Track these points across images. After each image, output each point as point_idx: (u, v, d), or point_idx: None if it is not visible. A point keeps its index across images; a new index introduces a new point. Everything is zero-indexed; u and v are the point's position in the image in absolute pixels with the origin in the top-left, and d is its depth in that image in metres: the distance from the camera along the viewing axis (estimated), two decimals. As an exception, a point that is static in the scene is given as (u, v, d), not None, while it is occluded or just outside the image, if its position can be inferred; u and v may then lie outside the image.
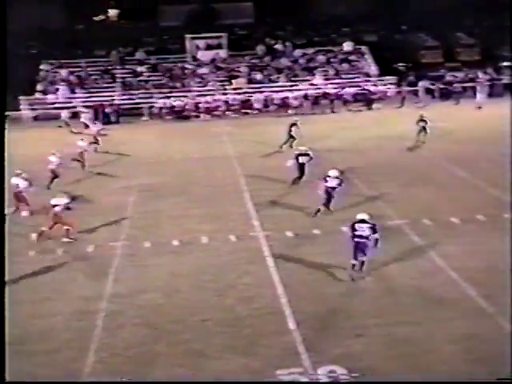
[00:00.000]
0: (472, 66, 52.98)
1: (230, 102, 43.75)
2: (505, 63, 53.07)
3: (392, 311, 13.97)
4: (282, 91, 45.10)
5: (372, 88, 45.69)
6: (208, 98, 43.93)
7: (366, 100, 43.92)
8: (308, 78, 48.09)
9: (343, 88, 45.50)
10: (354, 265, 15.64)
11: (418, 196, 22.26)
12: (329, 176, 20.12)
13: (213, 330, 13.41)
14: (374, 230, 15.42)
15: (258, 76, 48.23)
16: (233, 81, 47.50)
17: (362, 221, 15.59)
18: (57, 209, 18.62)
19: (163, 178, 26.10)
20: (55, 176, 24.63)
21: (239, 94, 45.08)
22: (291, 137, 30.18)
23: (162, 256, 17.74)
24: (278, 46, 52.11)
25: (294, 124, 30.60)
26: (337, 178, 20.06)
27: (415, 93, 45.36)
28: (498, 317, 13.42)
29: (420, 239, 18.11)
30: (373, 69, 50.01)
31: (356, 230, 15.49)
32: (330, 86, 46.23)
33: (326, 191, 20.14)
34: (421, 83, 45.54)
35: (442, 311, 13.84)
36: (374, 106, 43.34)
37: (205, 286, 15.59)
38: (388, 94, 45.34)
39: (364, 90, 45.29)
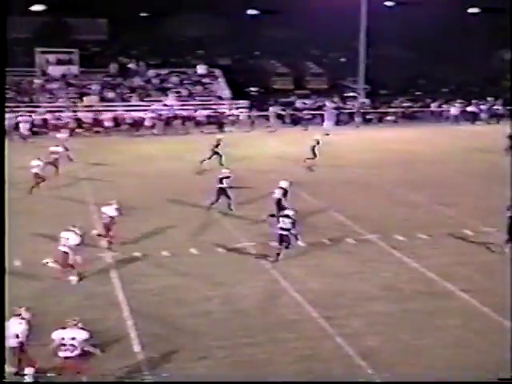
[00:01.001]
0: (320, 94, 55.07)
1: (81, 120, 42.74)
2: (350, 93, 55.59)
3: (237, 333, 14.07)
4: (134, 110, 44.67)
5: (224, 111, 46.25)
6: (57, 114, 42.66)
7: (218, 122, 44.31)
8: (161, 98, 47.97)
9: (196, 110, 45.76)
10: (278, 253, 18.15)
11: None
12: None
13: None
14: (293, 224, 18.08)
15: (110, 94, 47.54)
16: (84, 98, 46.48)
17: (287, 216, 18.15)
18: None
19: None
20: None
21: (90, 111, 44.14)
22: (216, 153, 30.42)
23: None
24: (132, 65, 51.70)
25: (218, 142, 30.95)
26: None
27: (266, 117, 46.36)
28: (338, 338, 13.87)
29: (265, 262, 18.41)
30: (225, 92, 50.69)
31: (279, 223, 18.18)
32: (182, 107, 46.36)
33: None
34: (272, 108, 46.58)
35: (285, 332, 14.12)
36: (225, 128, 43.80)
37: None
38: (240, 117, 46.04)
39: (216, 112, 45.77)
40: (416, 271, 17.86)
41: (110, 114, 43.27)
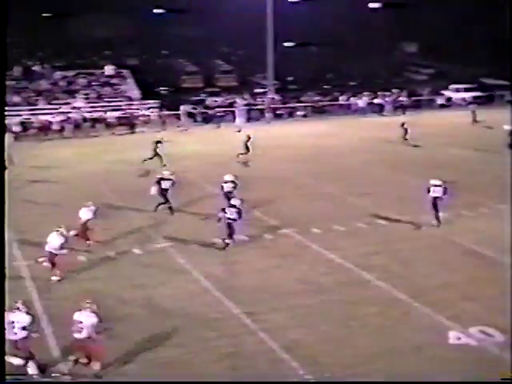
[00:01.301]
0: (230, 92, 55.25)
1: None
2: (260, 90, 55.99)
3: (159, 334, 13.96)
4: (41, 114, 43.60)
5: (135, 111, 45.77)
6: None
7: (129, 123, 43.78)
8: (69, 100, 47.01)
9: (106, 112, 45.08)
10: (227, 243, 19.07)
11: (184, 220, 22.52)
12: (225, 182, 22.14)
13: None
14: (239, 214, 18.96)
15: (15, 98, 46.22)
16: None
17: (233, 205, 19.11)
18: None
19: None
20: None
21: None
22: (157, 154, 30.04)
23: None
24: (36, 68, 50.44)
25: (158, 142, 30.64)
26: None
27: (177, 117, 46.13)
28: (260, 333, 13.98)
29: (186, 261, 18.35)
30: (135, 92, 50.21)
31: (226, 213, 18.92)
32: (92, 109, 45.61)
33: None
34: (182, 107, 46.38)
35: (208, 331, 14.12)
36: (137, 129, 43.32)
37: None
38: (151, 117, 45.65)
39: (127, 113, 45.23)
40: (333, 262, 18.17)
41: (17, 119, 42.03)
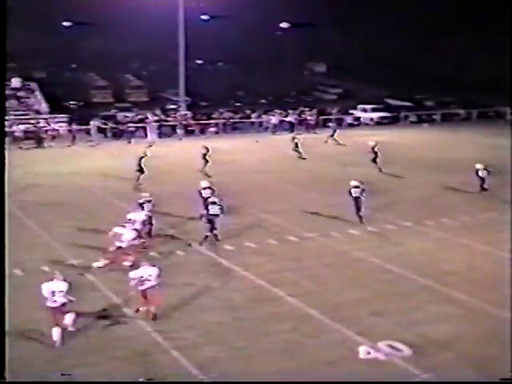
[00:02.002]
0: (141, 107, 54.93)
1: None
2: (171, 106, 55.91)
3: (70, 354, 13.65)
4: None
5: (43, 125, 44.72)
6: None
7: (36, 138, 42.71)
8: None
9: (11, 125, 43.83)
10: (207, 236, 20.77)
11: (93, 234, 22.13)
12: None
13: None
14: (222, 210, 20.85)
15: None
16: None
17: (214, 202, 20.83)
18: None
19: None
20: None
21: None
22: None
23: None
24: None
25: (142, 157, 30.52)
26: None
27: (87, 131, 45.34)
28: (173, 351, 13.85)
29: (95, 278, 18.02)
30: (43, 106, 49.13)
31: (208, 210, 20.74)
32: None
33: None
34: (92, 122, 45.61)
35: (120, 350, 13.87)
36: (45, 143, 42.34)
37: None
38: (60, 131, 44.72)
39: (35, 127, 44.13)
40: (245, 279, 18.26)
41: None
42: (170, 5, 51.51)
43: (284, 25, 79.49)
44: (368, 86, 72.04)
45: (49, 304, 14.21)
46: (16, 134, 42.82)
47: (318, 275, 18.55)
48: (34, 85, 52.15)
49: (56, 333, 14.01)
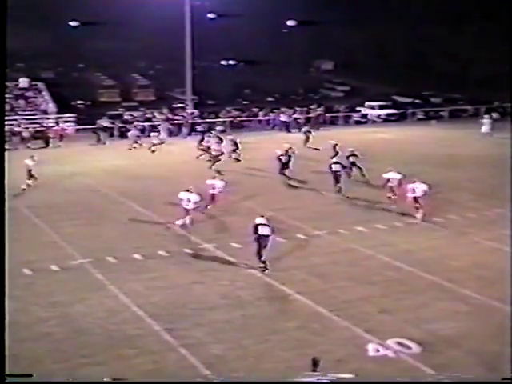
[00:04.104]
0: (148, 106, 54.94)
1: None
2: (178, 104, 55.86)
3: (78, 353, 13.66)
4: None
5: (51, 125, 44.81)
6: None
7: (44, 137, 42.78)
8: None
9: (20, 125, 43.94)
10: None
11: (100, 234, 22.26)
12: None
13: None
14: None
15: None
16: None
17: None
18: None
19: None
20: None
21: None
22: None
23: None
24: None
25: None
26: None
27: (94, 131, 45.31)
28: (181, 349, 13.87)
29: (104, 277, 18.06)
30: (50, 106, 49.20)
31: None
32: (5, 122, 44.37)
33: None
34: (100, 121, 45.61)
35: (128, 348, 13.91)
36: (52, 143, 42.40)
37: None
38: (68, 131, 44.79)
39: (43, 126, 44.23)
40: (253, 277, 18.25)
41: None
42: (176, 4, 51.53)
43: (290, 22, 79.28)
44: (375, 83, 71.93)
45: (184, 206, 21.95)
46: (24, 134, 42.86)
47: (325, 273, 18.53)
48: (41, 85, 52.18)
49: (183, 221, 22.13)
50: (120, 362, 13.37)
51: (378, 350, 13.72)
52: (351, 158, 30.25)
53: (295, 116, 51.42)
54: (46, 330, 14.78)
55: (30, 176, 28.22)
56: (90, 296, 16.79)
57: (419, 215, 23.45)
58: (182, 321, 15.31)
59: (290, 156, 30.92)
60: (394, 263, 19.14)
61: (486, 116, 47.78)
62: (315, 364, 10.80)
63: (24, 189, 27.82)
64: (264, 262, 18.58)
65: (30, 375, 11.22)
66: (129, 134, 42.95)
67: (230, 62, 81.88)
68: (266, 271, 18.44)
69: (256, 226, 18.79)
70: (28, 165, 28.32)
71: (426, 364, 13.08)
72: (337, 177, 27.54)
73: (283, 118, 50.49)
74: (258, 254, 18.61)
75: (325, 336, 14.50)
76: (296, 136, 43.69)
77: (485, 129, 43.56)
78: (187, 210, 22.31)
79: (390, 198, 25.50)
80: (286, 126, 49.55)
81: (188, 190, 22.31)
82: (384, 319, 15.37)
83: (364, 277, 18.18)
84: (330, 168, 27.77)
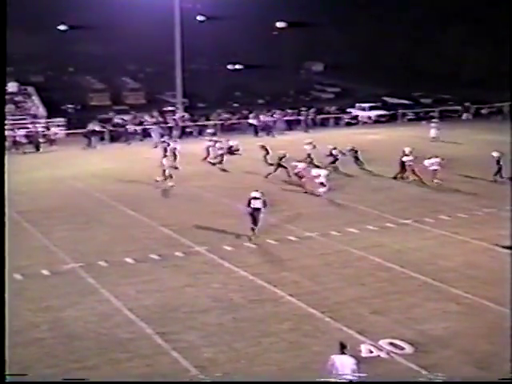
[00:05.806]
0: (139, 109, 54.79)
1: None
2: (169, 108, 55.68)
3: (70, 358, 13.63)
4: None
5: (41, 129, 44.64)
6: None
7: (35, 142, 42.60)
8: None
9: (12, 130, 43.70)
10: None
11: (92, 238, 22.19)
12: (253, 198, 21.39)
13: None
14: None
15: None
16: None
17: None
18: None
19: None
20: None
21: None
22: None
23: None
24: None
25: None
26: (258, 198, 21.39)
27: (85, 134, 45.12)
28: (173, 352, 13.84)
29: (96, 281, 18.01)
30: (40, 110, 49.02)
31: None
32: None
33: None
34: (90, 125, 45.37)
35: (120, 352, 13.88)
36: (42, 148, 42.23)
37: None
38: (58, 135, 44.62)
39: (33, 131, 44.03)
40: (245, 279, 18.24)
41: None
42: (165, 6, 51.43)
43: (280, 24, 79.37)
44: (365, 84, 72.04)
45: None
46: (16, 138, 42.72)
47: (317, 274, 18.54)
48: (31, 89, 52.01)
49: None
50: (112, 366, 13.35)
51: (371, 351, 13.73)
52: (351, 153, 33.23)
53: (285, 118, 51.28)
54: (37, 335, 14.74)
55: None
56: (81, 300, 16.75)
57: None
58: (174, 324, 15.29)
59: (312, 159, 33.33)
60: (385, 264, 19.17)
61: (434, 120, 48.21)
62: (343, 347, 11.47)
63: None
64: (253, 231, 20.99)
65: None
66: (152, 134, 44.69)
67: (220, 65, 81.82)
68: (251, 240, 21.05)
69: (249, 200, 21.12)
70: None
71: (418, 364, 13.11)
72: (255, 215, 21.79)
73: (251, 121, 49.86)
74: (252, 226, 21.14)
75: (317, 338, 14.51)
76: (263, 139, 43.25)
77: (432, 133, 43.70)
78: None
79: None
80: (255, 130, 49.09)
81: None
82: (376, 320, 15.40)
83: (356, 278, 18.20)
84: (249, 204, 21.75)
